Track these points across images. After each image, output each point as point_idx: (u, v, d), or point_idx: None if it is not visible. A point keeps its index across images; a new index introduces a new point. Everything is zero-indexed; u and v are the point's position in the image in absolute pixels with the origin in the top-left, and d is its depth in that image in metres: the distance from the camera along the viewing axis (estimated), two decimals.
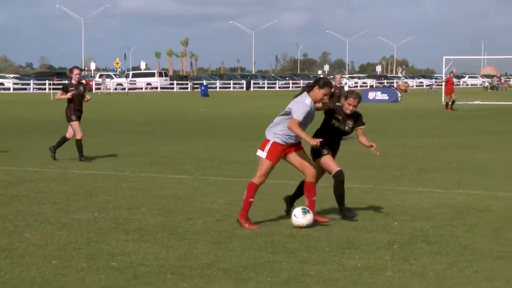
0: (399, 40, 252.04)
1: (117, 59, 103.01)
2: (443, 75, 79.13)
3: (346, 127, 11.30)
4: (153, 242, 9.67)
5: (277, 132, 10.84)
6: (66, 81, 17.25)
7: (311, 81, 11.28)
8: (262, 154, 10.89)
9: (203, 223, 10.95)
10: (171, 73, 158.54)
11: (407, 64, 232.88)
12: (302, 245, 9.59)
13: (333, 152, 11.35)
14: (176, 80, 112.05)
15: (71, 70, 19.09)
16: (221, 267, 8.45)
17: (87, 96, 19.05)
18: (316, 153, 11.28)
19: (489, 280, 7.93)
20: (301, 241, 9.80)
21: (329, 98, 11.03)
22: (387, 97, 66.19)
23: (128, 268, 8.36)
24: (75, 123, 18.81)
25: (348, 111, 11.28)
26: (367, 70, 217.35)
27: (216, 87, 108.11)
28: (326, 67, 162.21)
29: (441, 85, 65.63)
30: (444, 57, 69.50)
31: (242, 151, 21.62)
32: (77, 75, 18.91)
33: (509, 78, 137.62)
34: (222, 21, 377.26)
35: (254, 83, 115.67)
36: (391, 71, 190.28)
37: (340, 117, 11.27)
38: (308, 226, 10.56)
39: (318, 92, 10.89)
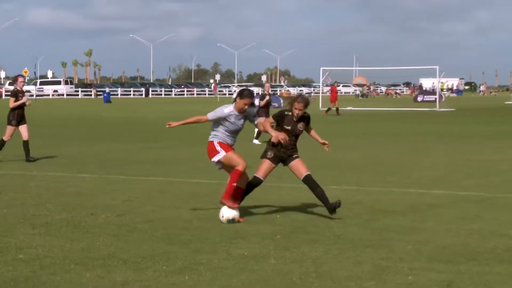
0: (281, 52, 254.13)
1: (26, 68, 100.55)
2: (320, 84, 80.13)
3: (298, 130, 11.03)
4: (58, 236, 9.48)
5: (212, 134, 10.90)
6: (14, 88, 17.30)
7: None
8: (218, 156, 10.81)
9: (105, 218, 10.80)
10: (76, 81, 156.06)
11: (289, 74, 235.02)
12: (195, 237, 9.55)
13: (292, 153, 11.11)
14: (81, 88, 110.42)
15: (16, 78, 18.81)
16: (121, 258, 8.34)
17: (29, 102, 18.60)
18: (263, 154, 11.21)
19: (359, 265, 8.06)
20: (194, 233, 9.76)
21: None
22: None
23: (34, 260, 8.17)
24: (11, 128, 18.41)
25: (295, 114, 10.97)
26: (254, 79, 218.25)
27: (117, 94, 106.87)
28: (218, 77, 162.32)
29: (319, 93, 66.49)
30: (321, 68, 70.58)
31: (141, 152, 21.45)
32: (22, 83, 18.63)
33: (377, 87, 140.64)
34: (123, 34, 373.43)
35: (152, 91, 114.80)
36: (275, 80, 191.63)
37: (289, 123, 10.97)
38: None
39: (240, 102, 10.86)
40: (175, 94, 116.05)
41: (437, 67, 67.00)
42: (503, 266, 7.93)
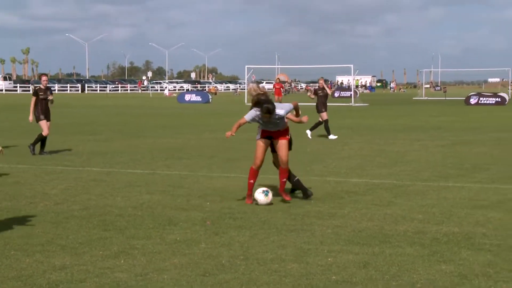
0: (209, 51, 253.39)
1: None
2: (246, 81, 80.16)
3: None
4: None
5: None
6: (35, 86, 17.47)
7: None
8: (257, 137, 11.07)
9: (44, 206, 10.57)
10: (14, 77, 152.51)
11: (216, 71, 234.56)
12: (130, 223, 9.43)
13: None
14: (20, 84, 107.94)
15: (40, 77, 18.70)
16: (59, 244, 8.17)
17: (51, 97, 18.25)
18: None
19: (283, 248, 8.08)
20: (128, 220, 9.64)
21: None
22: (201, 99, 66.49)
23: None
24: (43, 122, 18.15)
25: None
26: (183, 76, 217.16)
27: (55, 90, 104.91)
28: (149, 74, 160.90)
29: (244, 89, 66.50)
30: (246, 66, 70.71)
31: (79, 144, 21.09)
32: (45, 81, 18.30)
33: (298, 83, 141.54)
34: (60, 34, 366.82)
35: (88, 87, 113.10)
36: (204, 77, 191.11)
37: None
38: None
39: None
40: (110, 90, 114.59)
41: (352, 65, 67.83)
42: (413, 248, 8.06)
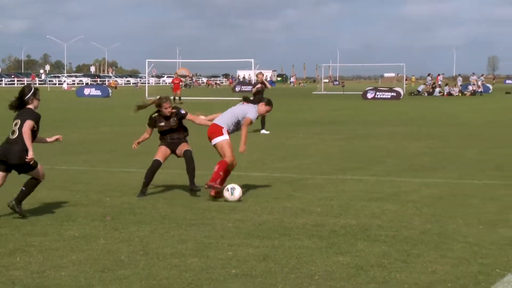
0: (109, 45, 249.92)
1: None
2: (146, 75, 79.32)
3: (172, 124, 11.40)
4: None
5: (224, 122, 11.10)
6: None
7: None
8: (220, 138, 11.03)
9: None
10: None
11: (116, 65, 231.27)
12: (26, 220, 9.20)
13: (176, 146, 11.41)
14: None
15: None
16: None
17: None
18: None
19: (183, 242, 8.06)
20: (25, 216, 9.40)
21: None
22: (100, 93, 65.42)
23: None
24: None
25: (167, 113, 11.39)
26: (83, 70, 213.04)
27: None
28: (47, 67, 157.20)
29: (145, 83, 65.92)
30: (147, 60, 70.11)
31: None
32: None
33: (199, 78, 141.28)
34: None
35: None
36: (103, 71, 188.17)
37: (162, 121, 11.45)
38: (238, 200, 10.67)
39: (264, 108, 11.44)
40: (6, 84, 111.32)
41: (252, 60, 68.25)
42: (311, 240, 8.19)
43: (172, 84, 53.46)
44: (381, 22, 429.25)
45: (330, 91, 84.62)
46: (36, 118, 9.40)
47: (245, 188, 12.03)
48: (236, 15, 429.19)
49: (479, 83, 68.41)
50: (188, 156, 11.36)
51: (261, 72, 26.48)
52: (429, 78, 77.92)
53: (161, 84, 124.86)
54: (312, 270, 6.96)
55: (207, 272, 6.86)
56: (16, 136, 9.27)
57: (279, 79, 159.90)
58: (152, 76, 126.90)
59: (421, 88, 72.53)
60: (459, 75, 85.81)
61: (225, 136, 11.15)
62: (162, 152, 11.44)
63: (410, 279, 6.66)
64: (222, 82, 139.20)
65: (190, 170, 11.34)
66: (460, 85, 68.86)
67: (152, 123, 11.54)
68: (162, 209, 10.10)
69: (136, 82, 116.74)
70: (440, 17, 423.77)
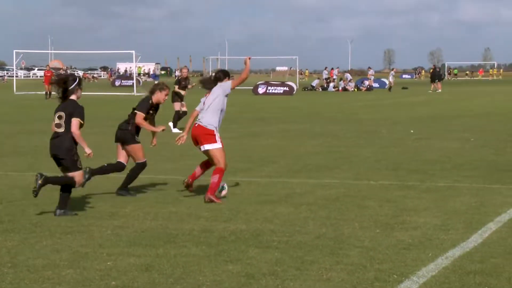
0: None
1: None
2: (14, 67, 77.42)
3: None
4: None
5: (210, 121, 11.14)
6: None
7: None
8: (214, 146, 11.12)
9: None
10: None
11: None
12: None
13: None
14: None
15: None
16: None
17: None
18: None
19: (57, 253, 7.90)
20: None
21: None
22: None
23: None
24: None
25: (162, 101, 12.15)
26: None
27: None
28: None
29: (13, 76, 64.25)
30: (14, 51, 68.29)
31: None
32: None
33: (75, 70, 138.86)
34: None
35: None
36: None
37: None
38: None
39: (231, 82, 11.61)
40: None
41: (133, 51, 67.66)
42: (199, 248, 8.18)
43: (44, 77, 52.52)
44: (272, 12, 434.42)
45: None
46: (83, 114, 9.93)
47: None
48: (116, 2, 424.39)
49: (390, 78, 69.91)
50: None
51: (185, 66, 26.37)
52: (325, 72, 79.41)
53: (31, 77, 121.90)
54: (200, 280, 6.96)
55: (84, 285, 6.75)
56: (63, 130, 9.84)
57: (163, 72, 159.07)
58: (21, 69, 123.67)
59: (315, 82, 73.82)
60: (346, 71, 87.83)
61: (219, 144, 11.17)
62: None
63: (304, 287, 6.76)
64: (100, 76, 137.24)
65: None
66: (349, 81, 70.33)
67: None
68: (33, 216, 9.86)
69: (3, 75, 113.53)
70: (335, 7, 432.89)
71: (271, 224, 9.45)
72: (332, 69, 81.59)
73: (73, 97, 9.99)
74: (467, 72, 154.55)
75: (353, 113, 33.90)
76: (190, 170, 14.43)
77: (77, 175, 9.91)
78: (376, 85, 75.12)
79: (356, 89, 68.80)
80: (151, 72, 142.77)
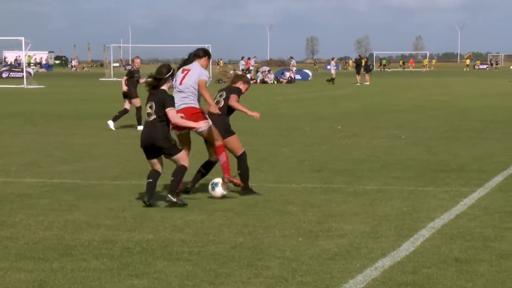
0: None
1: None
2: None
3: None
4: None
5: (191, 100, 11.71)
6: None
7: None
8: (207, 125, 11.72)
9: None
10: None
11: None
12: None
13: None
14: None
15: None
16: None
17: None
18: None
19: None
20: None
21: None
22: None
23: None
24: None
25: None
26: None
27: None
28: None
29: None
30: None
31: None
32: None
33: None
34: None
35: None
36: None
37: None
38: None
39: (205, 61, 12.18)
40: None
41: (23, 38, 66.44)
42: (99, 261, 8.12)
43: None
44: None
45: (121, 77, 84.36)
46: (174, 102, 11.20)
47: (16, 198, 11.72)
48: None
49: (333, 70, 70.33)
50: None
51: (138, 56, 25.79)
52: (242, 62, 79.65)
53: None
54: None
55: None
56: (154, 118, 11.07)
57: (57, 62, 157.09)
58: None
59: None
60: (264, 61, 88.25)
61: (209, 121, 11.73)
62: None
63: None
64: None
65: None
66: (268, 72, 70.71)
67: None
68: None
69: None
70: None
71: (181, 233, 9.44)
72: (249, 58, 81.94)
73: (164, 87, 11.24)
74: (402, 62, 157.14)
75: (273, 108, 34.11)
76: (89, 173, 14.30)
77: (180, 156, 11.30)
78: (298, 77, 75.79)
79: (275, 82, 69.24)
80: (44, 62, 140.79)
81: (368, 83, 63.48)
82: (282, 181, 13.44)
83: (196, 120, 11.54)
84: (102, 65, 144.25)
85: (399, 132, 21.88)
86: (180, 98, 11.64)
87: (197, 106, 11.79)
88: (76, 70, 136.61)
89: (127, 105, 24.19)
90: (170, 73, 11.27)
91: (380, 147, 18.48)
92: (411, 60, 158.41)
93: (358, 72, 65.75)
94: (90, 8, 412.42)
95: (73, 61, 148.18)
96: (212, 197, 11.81)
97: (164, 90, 11.24)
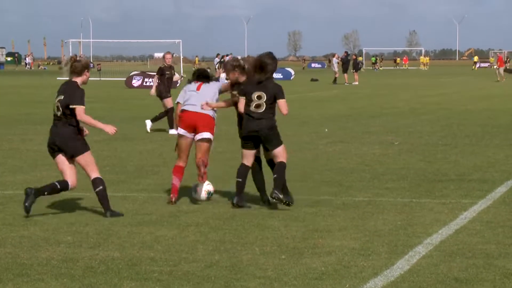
0: None
1: None
2: None
3: None
4: None
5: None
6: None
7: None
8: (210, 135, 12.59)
9: None
10: None
11: None
12: None
13: None
14: None
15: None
16: None
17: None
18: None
19: None
20: None
21: None
22: None
23: None
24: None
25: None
26: None
27: None
28: None
29: None
30: None
31: None
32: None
33: None
34: None
35: None
36: None
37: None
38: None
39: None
40: None
41: None
42: (59, 281, 8.11)
43: None
44: None
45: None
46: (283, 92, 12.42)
47: None
48: None
49: (335, 67, 70.02)
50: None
51: (168, 51, 25.57)
52: (216, 59, 79.76)
53: None
54: None
55: None
56: (263, 110, 12.04)
57: (9, 59, 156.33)
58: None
59: None
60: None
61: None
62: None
63: None
64: None
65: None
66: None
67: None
68: None
69: None
70: None
71: (150, 251, 9.45)
72: (226, 55, 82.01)
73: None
74: (397, 59, 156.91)
75: None
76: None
77: (281, 149, 12.23)
78: (278, 75, 75.85)
79: None
80: None
81: (357, 83, 63.68)
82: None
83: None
84: (60, 62, 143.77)
85: (392, 138, 21.96)
86: None
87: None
88: (30, 68, 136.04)
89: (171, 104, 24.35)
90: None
91: (370, 155, 18.53)
92: (405, 58, 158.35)
93: (345, 71, 65.87)
94: (47, 1, 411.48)
95: (27, 58, 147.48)
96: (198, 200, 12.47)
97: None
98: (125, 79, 63.07)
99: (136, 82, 60.84)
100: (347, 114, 32.00)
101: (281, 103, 12.15)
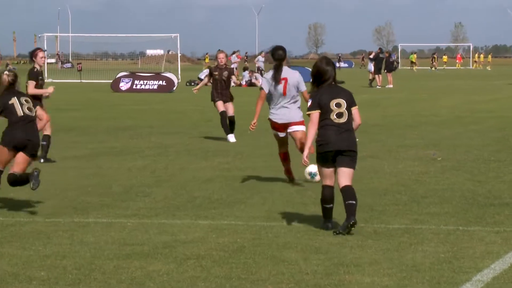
0: None
1: None
2: None
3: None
4: None
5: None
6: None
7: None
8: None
9: None
10: None
11: None
12: None
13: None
14: None
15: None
16: None
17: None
18: None
19: None
20: None
21: None
22: None
23: None
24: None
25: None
26: None
27: None
28: None
29: None
30: None
31: None
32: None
33: None
34: None
35: None
36: None
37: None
38: None
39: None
40: None
41: None
42: None
43: None
44: None
45: (60, 78, 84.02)
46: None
47: None
48: None
49: (371, 67, 69.79)
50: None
51: (222, 50, 25.85)
52: (260, 58, 79.66)
53: None
54: None
55: None
56: (346, 120, 12.78)
57: None
58: None
59: (204, 74, 73.90)
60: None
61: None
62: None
63: None
64: None
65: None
66: (260, 70, 70.85)
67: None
68: None
69: None
70: None
71: None
72: (233, 53, 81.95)
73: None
74: (445, 57, 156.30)
75: (263, 119, 33.99)
76: (14, 207, 14.24)
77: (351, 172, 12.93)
78: None
79: None
80: None
81: (391, 85, 63.52)
82: (276, 218, 13.42)
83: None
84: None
85: (433, 153, 21.89)
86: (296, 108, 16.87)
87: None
88: None
89: (230, 111, 24.64)
90: None
91: (407, 173, 18.46)
92: (458, 55, 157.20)
93: (378, 71, 65.57)
94: None
95: None
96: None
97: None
98: (111, 81, 63.00)
99: (124, 85, 60.74)
100: (378, 123, 31.86)
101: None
